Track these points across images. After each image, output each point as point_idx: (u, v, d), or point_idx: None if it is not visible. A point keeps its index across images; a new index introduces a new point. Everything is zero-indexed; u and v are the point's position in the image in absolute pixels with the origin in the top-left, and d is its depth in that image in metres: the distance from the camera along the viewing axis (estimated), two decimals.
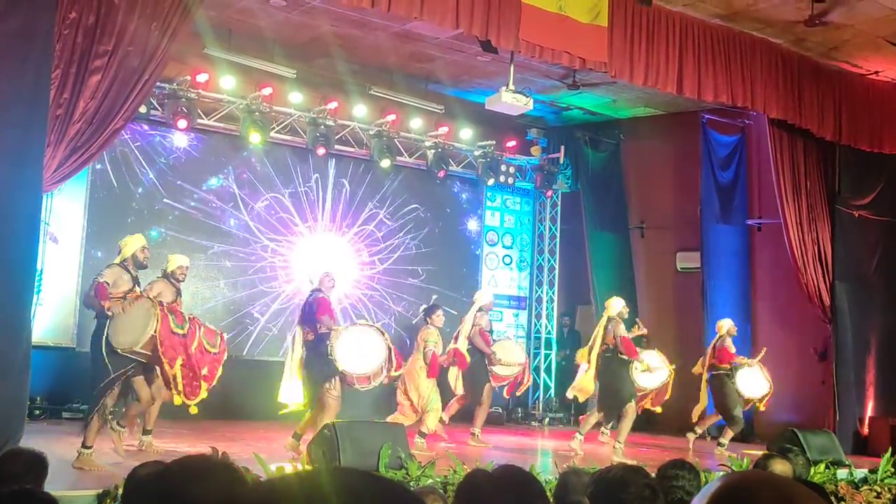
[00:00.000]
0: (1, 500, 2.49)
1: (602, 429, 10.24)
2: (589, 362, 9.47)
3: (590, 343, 9.60)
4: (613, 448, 9.15)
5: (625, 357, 9.26)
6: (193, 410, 7.27)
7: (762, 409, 10.56)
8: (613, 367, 9.31)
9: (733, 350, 10.22)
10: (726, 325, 10.34)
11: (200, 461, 2.69)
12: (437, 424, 9.19)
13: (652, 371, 9.98)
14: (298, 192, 11.73)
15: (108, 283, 7.11)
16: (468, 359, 9.59)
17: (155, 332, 6.90)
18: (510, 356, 10.07)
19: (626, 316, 9.57)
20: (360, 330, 8.39)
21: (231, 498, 0.80)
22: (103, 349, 6.92)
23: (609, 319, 9.42)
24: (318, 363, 8.01)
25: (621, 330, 9.33)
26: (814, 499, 1.09)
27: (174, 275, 7.83)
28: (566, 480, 3.30)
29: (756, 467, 4.73)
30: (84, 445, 6.76)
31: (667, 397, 10.42)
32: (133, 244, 7.49)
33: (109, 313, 6.98)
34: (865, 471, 8.26)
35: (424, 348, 9.20)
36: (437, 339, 9.35)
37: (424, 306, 10.00)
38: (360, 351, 8.05)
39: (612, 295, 10.18)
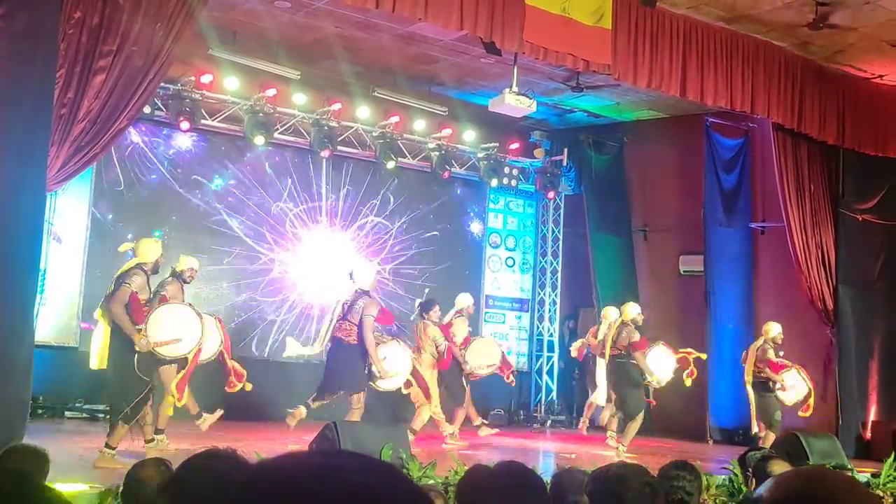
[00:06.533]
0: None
1: (609, 432, 10.28)
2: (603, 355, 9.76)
3: (600, 341, 9.71)
4: (616, 451, 9.23)
5: (635, 362, 9.51)
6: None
7: (807, 413, 10.02)
8: (628, 371, 9.55)
9: (776, 360, 9.92)
10: (774, 330, 9.93)
11: (205, 457, 2.70)
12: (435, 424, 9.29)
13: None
14: (302, 194, 11.75)
15: (137, 293, 7.16)
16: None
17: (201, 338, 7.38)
18: (481, 359, 10.05)
19: (640, 323, 9.74)
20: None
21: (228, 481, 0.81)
22: (135, 361, 7.01)
23: (623, 324, 9.61)
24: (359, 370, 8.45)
25: (636, 336, 9.57)
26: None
27: (183, 275, 7.89)
28: (560, 480, 3.28)
29: (756, 469, 4.73)
30: (108, 446, 6.93)
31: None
32: (154, 250, 7.44)
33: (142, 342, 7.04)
34: (868, 475, 8.23)
35: (437, 347, 9.27)
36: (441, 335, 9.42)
37: (420, 300, 10.04)
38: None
39: (616, 298, 10.26)
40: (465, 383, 9.90)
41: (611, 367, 9.70)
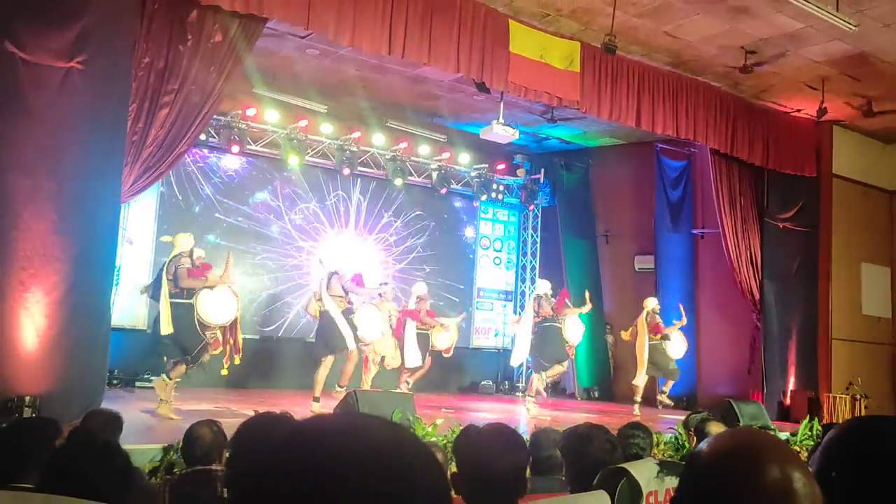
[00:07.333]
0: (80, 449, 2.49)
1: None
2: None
3: (522, 317, 9.80)
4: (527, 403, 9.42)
5: (556, 324, 9.54)
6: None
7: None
8: (552, 332, 9.52)
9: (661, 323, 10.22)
10: (651, 303, 10.23)
11: (263, 418, 2.70)
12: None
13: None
14: (328, 205, 11.76)
15: (189, 268, 7.38)
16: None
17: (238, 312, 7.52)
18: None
19: (549, 292, 9.75)
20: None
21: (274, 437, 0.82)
22: (196, 321, 7.24)
23: (539, 297, 9.66)
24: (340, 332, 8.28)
25: (549, 307, 9.62)
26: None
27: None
28: (537, 438, 3.27)
29: (696, 429, 4.73)
30: (167, 375, 7.08)
31: None
32: (188, 241, 7.55)
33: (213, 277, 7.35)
34: (788, 434, 8.28)
35: (390, 317, 9.40)
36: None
37: (382, 284, 10.09)
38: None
39: (582, 290, 10.19)
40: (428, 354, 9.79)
41: (536, 331, 9.52)
